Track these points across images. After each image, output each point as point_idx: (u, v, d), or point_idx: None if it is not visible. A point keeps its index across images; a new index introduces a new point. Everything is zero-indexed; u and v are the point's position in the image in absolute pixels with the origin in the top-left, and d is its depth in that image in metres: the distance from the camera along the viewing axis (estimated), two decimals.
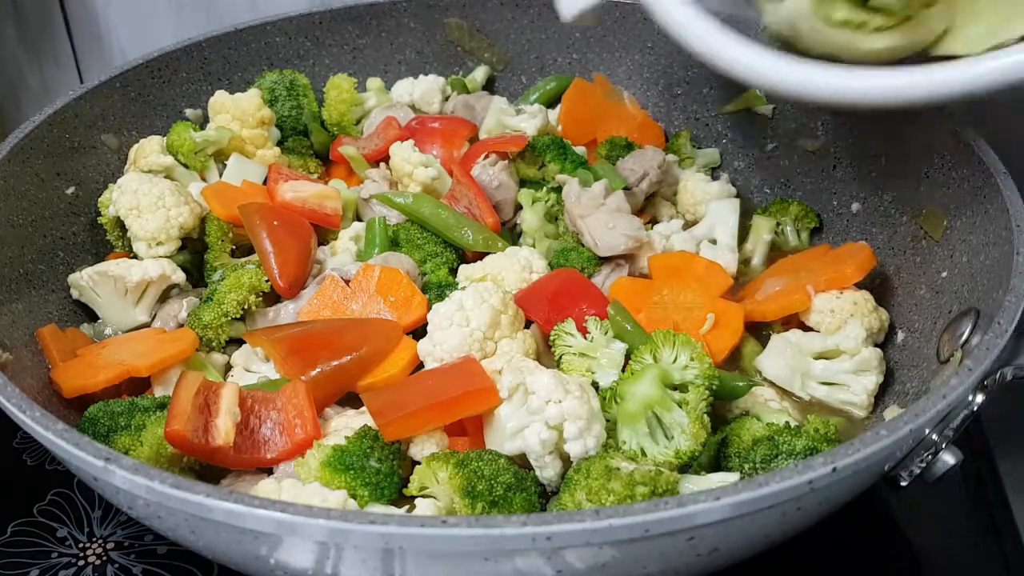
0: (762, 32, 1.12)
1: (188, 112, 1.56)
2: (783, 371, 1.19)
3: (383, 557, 0.82)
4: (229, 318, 1.20)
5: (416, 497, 1.00)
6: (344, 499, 0.95)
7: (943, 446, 0.97)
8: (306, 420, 1.05)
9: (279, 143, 1.55)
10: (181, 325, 1.25)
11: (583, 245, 1.33)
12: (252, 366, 1.19)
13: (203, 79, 1.57)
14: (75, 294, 1.29)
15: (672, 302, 1.25)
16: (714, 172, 1.58)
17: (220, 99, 1.48)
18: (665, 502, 0.78)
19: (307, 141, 1.59)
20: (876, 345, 1.23)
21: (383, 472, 1.00)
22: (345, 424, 1.08)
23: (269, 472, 1.06)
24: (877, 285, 1.30)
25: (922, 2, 1.03)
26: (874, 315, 1.23)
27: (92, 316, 1.30)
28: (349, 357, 1.13)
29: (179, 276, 1.29)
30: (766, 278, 1.33)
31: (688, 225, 1.44)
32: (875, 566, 1.13)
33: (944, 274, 1.20)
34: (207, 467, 1.06)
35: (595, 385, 1.08)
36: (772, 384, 1.20)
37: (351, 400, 1.14)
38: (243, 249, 1.36)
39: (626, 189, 1.40)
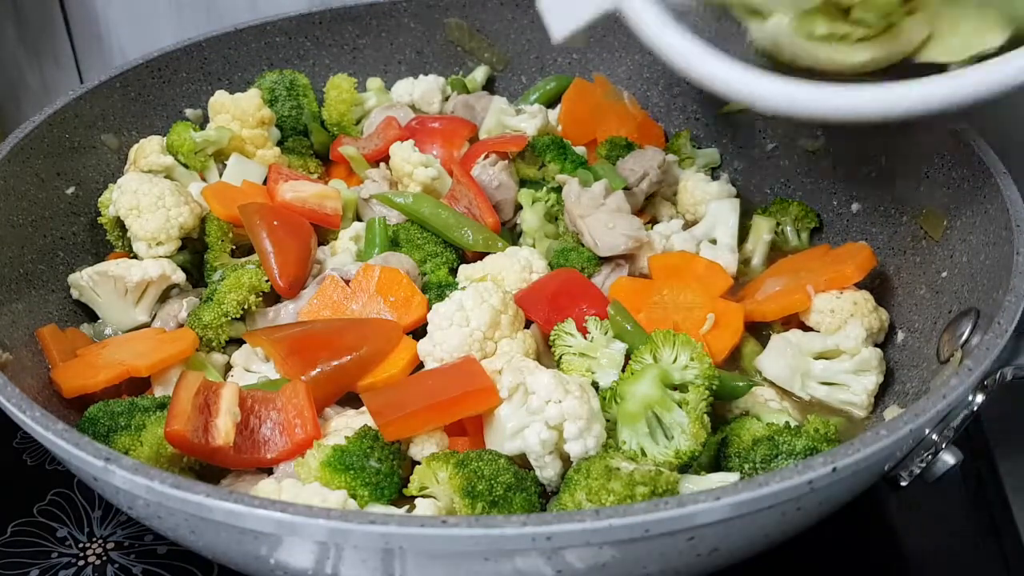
0: (748, 46, 1.12)
1: (188, 112, 1.56)
2: (783, 371, 1.19)
3: (383, 557, 0.82)
4: (229, 318, 1.20)
5: (416, 497, 1.00)
6: (344, 499, 0.95)
7: (943, 446, 0.97)
8: (306, 420, 1.05)
9: (279, 143, 1.55)
10: (181, 325, 1.25)
11: (583, 245, 1.33)
12: (252, 366, 1.19)
13: (203, 79, 1.57)
14: (75, 294, 1.29)
15: (672, 302, 1.25)
16: (714, 172, 1.58)
17: (220, 99, 1.48)
18: (665, 502, 0.78)
19: (307, 141, 1.59)
20: (876, 345, 1.23)
21: (383, 472, 1.00)
22: (345, 424, 1.08)
23: (269, 472, 1.06)
24: (877, 285, 1.30)
25: (904, 11, 1.03)
26: (874, 315, 1.23)
27: (92, 316, 1.30)
28: (349, 357, 1.13)
29: (179, 276, 1.29)
30: (766, 278, 1.33)
31: (688, 225, 1.44)
32: (875, 566, 1.13)
33: (944, 274, 1.20)
34: (207, 467, 1.06)
35: (595, 385, 1.08)
36: (772, 384, 1.20)
37: (351, 400, 1.14)
38: (243, 249, 1.36)
39: (626, 189, 1.40)
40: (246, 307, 1.21)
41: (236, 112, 1.46)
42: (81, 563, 1.13)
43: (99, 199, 1.37)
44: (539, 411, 1.00)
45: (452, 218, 1.33)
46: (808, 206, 1.46)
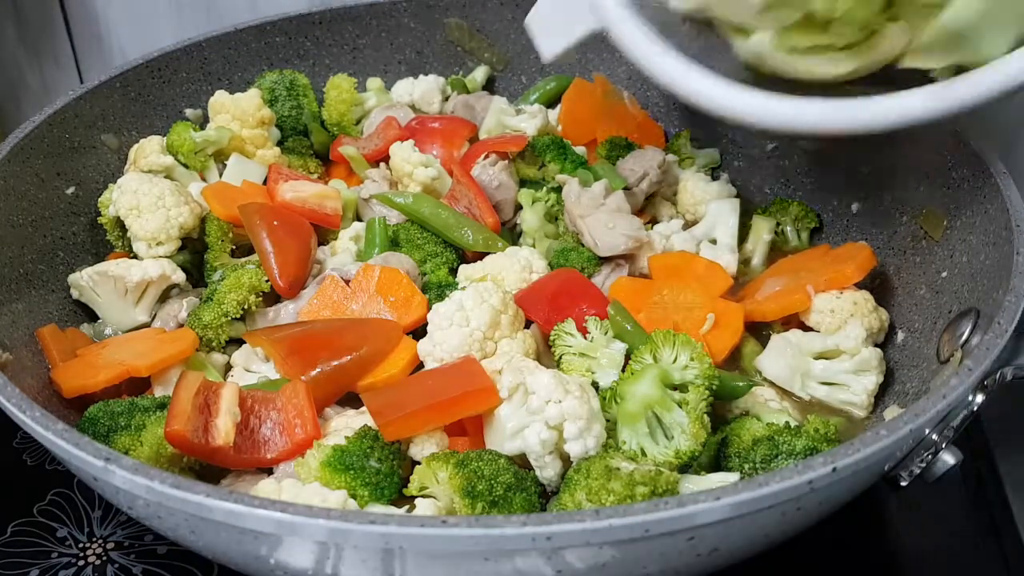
0: (734, 60, 1.13)
1: (188, 112, 1.56)
2: (783, 371, 1.19)
3: (383, 557, 0.82)
4: (229, 318, 1.20)
5: (416, 497, 1.00)
6: (344, 499, 0.95)
7: (943, 446, 0.97)
8: (306, 420, 1.05)
9: (279, 143, 1.55)
10: (181, 325, 1.25)
11: (583, 245, 1.33)
12: (252, 366, 1.19)
13: (203, 79, 1.57)
14: (75, 294, 1.29)
15: (672, 302, 1.25)
16: (714, 172, 1.58)
17: (220, 99, 1.48)
18: (665, 502, 0.78)
19: (307, 141, 1.59)
20: (876, 345, 1.23)
21: (383, 472, 1.00)
22: (345, 424, 1.08)
23: (269, 472, 1.06)
24: (877, 285, 1.30)
25: (884, 18, 1.04)
26: (874, 315, 1.23)
27: (92, 316, 1.30)
28: (349, 357, 1.13)
29: (179, 276, 1.29)
30: (766, 278, 1.33)
31: (688, 225, 1.44)
32: (875, 566, 1.13)
33: (944, 274, 1.20)
34: (207, 467, 1.06)
35: (595, 385, 1.08)
36: (772, 384, 1.20)
37: (351, 400, 1.14)
38: (243, 249, 1.36)
39: (626, 189, 1.40)
40: (246, 307, 1.21)
41: (236, 112, 1.46)
42: (81, 563, 1.13)
43: (99, 199, 1.37)
44: (539, 411, 1.00)
45: (452, 218, 1.33)
46: (808, 206, 1.46)
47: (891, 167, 1.36)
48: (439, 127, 1.50)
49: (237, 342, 1.23)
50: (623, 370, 1.09)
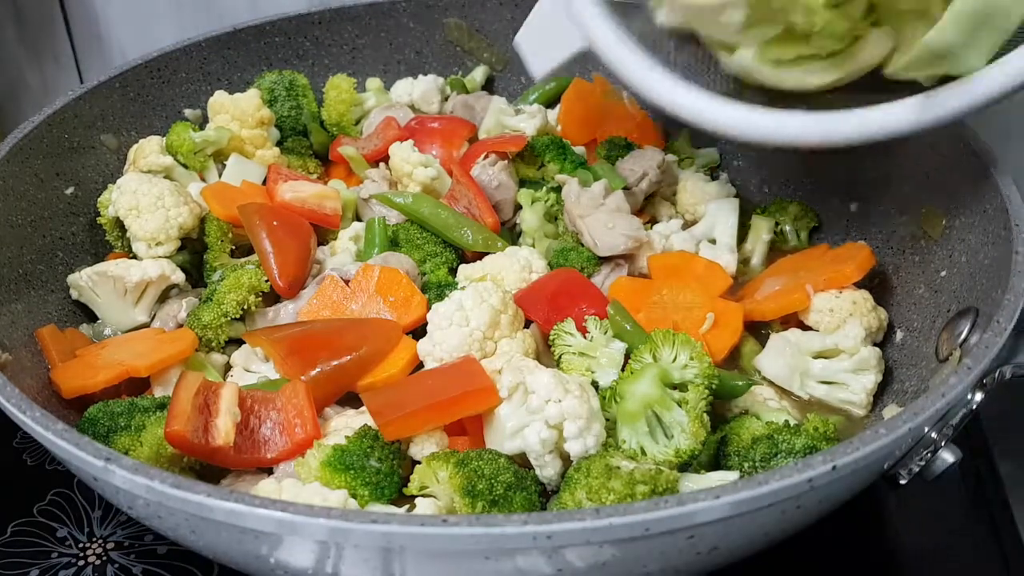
0: (721, 75, 1.16)
1: (187, 112, 1.56)
2: (782, 370, 1.19)
3: (384, 556, 0.82)
4: (228, 318, 1.20)
5: (416, 496, 1.00)
6: (344, 499, 0.95)
7: (942, 444, 0.97)
8: (306, 420, 1.05)
9: (278, 143, 1.55)
10: (180, 325, 1.25)
11: (582, 245, 1.33)
12: (251, 366, 1.19)
13: (202, 79, 1.57)
14: (74, 294, 1.29)
15: (671, 302, 1.25)
16: (713, 172, 1.59)
17: (219, 99, 1.48)
18: (665, 501, 0.78)
19: (306, 141, 1.59)
20: (875, 344, 1.23)
21: (383, 472, 1.00)
22: (345, 424, 1.08)
23: (269, 472, 1.06)
24: (876, 284, 1.30)
25: (867, 23, 1.04)
26: (873, 314, 1.23)
27: (91, 316, 1.30)
28: (349, 357, 1.13)
29: (178, 276, 1.29)
30: (765, 278, 1.33)
31: (687, 225, 1.44)
32: (874, 565, 1.14)
33: (943, 273, 1.20)
34: (207, 467, 1.06)
35: (595, 384, 1.09)
36: (771, 383, 1.20)
37: (351, 400, 1.14)
38: (242, 249, 1.36)
39: (625, 189, 1.40)
40: (245, 307, 1.21)
41: (235, 112, 1.47)
42: (81, 563, 1.13)
43: (98, 199, 1.37)
44: (539, 410, 1.00)
45: (452, 218, 1.33)
46: (807, 206, 1.46)
47: (890, 167, 1.36)
48: (438, 127, 1.50)
49: (236, 342, 1.23)
50: (623, 369, 1.10)
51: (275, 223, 1.28)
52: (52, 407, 1.10)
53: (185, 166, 1.42)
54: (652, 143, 1.53)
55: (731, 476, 1.01)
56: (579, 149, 1.50)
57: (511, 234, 1.41)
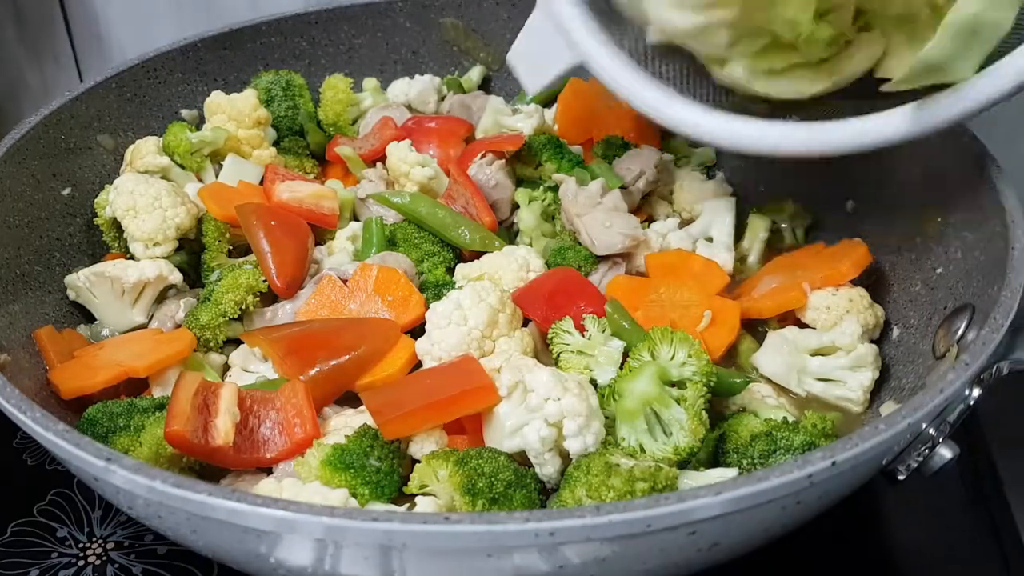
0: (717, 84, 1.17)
1: (184, 113, 1.56)
2: (779, 368, 1.20)
3: (385, 555, 0.82)
4: (227, 318, 1.20)
5: (416, 495, 1.00)
6: (345, 497, 0.95)
7: (940, 440, 0.97)
8: (305, 419, 1.05)
9: (275, 143, 1.55)
10: (178, 326, 1.25)
11: (580, 244, 1.33)
12: (250, 366, 1.19)
13: (199, 79, 1.57)
14: (72, 295, 1.29)
15: (669, 300, 1.26)
16: (710, 171, 1.59)
17: (216, 99, 1.48)
18: (666, 497, 0.78)
19: (303, 141, 1.59)
20: (872, 341, 1.24)
21: (383, 470, 1.00)
22: (344, 423, 1.08)
23: (268, 472, 1.06)
24: (872, 282, 1.30)
25: (855, 28, 1.05)
26: (869, 311, 1.24)
27: (89, 317, 1.30)
28: (347, 356, 1.13)
29: (176, 277, 1.29)
30: (762, 276, 1.33)
31: (684, 224, 1.45)
32: (873, 561, 1.14)
33: (939, 270, 1.20)
34: (206, 467, 1.06)
35: (593, 383, 1.09)
36: (769, 380, 1.20)
37: (349, 399, 1.14)
38: (240, 249, 1.36)
39: (622, 188, 1.40)
40: (243, 307, 1.21)
41: (232, 112, 1.47)
42: (81, 563, 1.13)
43: (95, 200, 1.37)
44: (538, 408, 1.00)
45: (449, 217, 1.33)
46: (803, 204, 1.46)
47: (885, 165, 1.36)
48: (436, 127, 1.50)
49: (235, 342, 1.23)
50: (621, 367, 1.10)
51: (272, 223, 1.28)
52: (50, 408, 1.09)
53: (182, 166, 1.42)
54: (649, 142, 1.53)
55: (730, 473, 1.01)
56: (576, 148, 1.50)
57: (508, 233, 1.42)
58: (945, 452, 0.98)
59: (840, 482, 0.91)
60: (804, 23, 1.01)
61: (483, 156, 1.42)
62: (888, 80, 1.03)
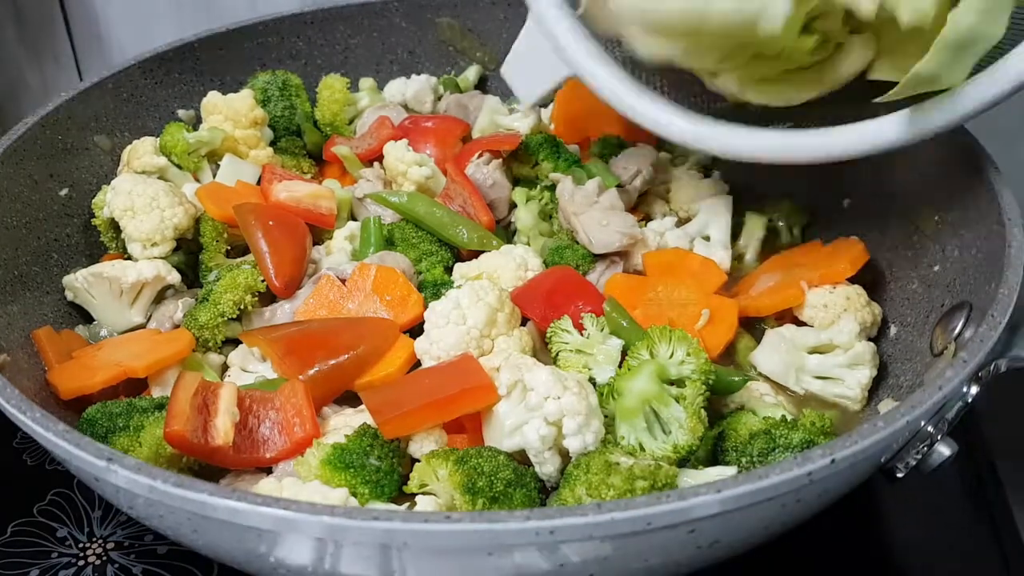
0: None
1: (181, 113, 1.56)
2: (778, 366, 1.20)
3: (385, 554, 0.82)
4: (225, 318, 1.20)
5: (416, 494, 1.00)
6: (345, 497, 0.95)
7: (938, 438, 0.98)
8: (305, 419, 1.05)
9: (272, 143, 1.55)
10: (177, 326, 1.25)
11: (577, 243, 1.33)
12: (249, 366, 1.19)
13: (195, 80, 1.57)
14: (70, 296, 1.29)
15: (667, 298, 1.26)
16: (706, 169, 1.59)
17: (213, 100, 1.48)
18: (667, 495, 0.78)
19: (300, 141, 1.59)
20: (869, 339, 1.24)
21: (383, 470, 1.00)
22: (343, 423, 1.08)
23: (268, 472, 1.06)
24: (870, 280, 1.31)
25: (846, 29, 1.06)
26: (867, 309, 1.24)
27: (87, 318, 1.30)
28: (346, 356, 1.13)
29: (174, 277, 1.29)
30: (760, 274, 1.34)
31: (681, 222, 1.45)
32: (872, 559, 1.14)
33: (936, 268, 1.21)
34: (206, 467, 1.06)
35: (592, 381, 1.09)
36: (767, 379, 1.20)
37: (349, 399, 1.14)
38: (238, 249, 1.36)
39: (619, 187, 1.40)
40: (242, 307, 1.21)
41: (229, 113, 1.47)
42: (81, 563, 1.13)
43: (93, 200, 1.37)
44: (538, 407, 1.00)
45: (447, 217, 1.33)
46: (800, 202, 1.46)
47: (881, 163, 1.36)
48: (433, 126, 1.50)
49: (233, 342, 1.23)
50: (620, 366, 1.10)
51: (270, 223, 1.28)
52: (49, 408, 1.09)
53: (179, 167, 1.42)
54: (645, 141, 1.53)
55: (729, 471, 1.01)
56: (573, 147, 1.50)
57: (506, 232, 1.42)
58: (943, 449, 0.98)
59: (839, 480, 0.91)
60: (786, 39, 1.01)
61: (480, 155, 1.43)
62: (882, 81, 1.03)
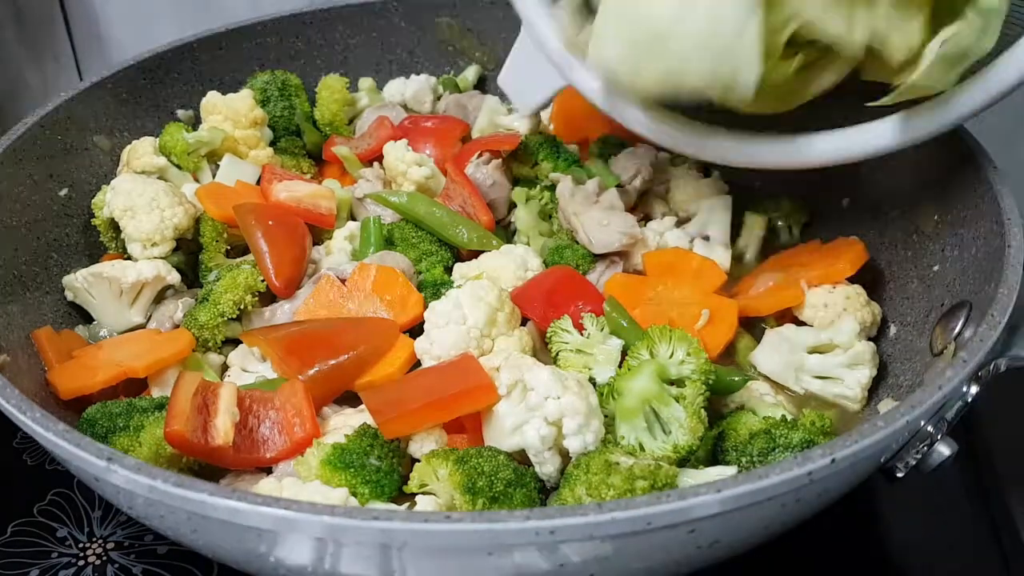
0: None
1: (180, 113, 1.56)
2: (777, 366, 1.20)
3: (385, 553, 0.82)
4: (225, 318, 1.21)
5: (416, 494, 1.00)
6: (345, 496, 0.95)
7: (938, 437, 0.98)
8: (305, 419, 1.05)
9: (272, 143, 1.55)
10: (177, 326, 1.25)
11: (577, 242, 1.33)
12: (248, 366, 1.19)
13: (195, 80, 1.56)
14: (69, 296, 1.29)
15: (667, 298, 1.26)
16: (706, 169, 1.59)
17: (212, 100, 1.48)
18: (667, 495, 0.78)
19: (300, 141, 1.59)
20: (869, 339, 1.24)
21: (383, 470, 1.00)
22: (343, 422, 1.08)
23: (268, 472, 1.06)
24: (869, 280, 1.31)
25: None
26: (867, 309, 1.24)
27: (87, 318, 1.30)
28: (346, 356, 1.13)
29: (174, 277, 1.29)
30: (759, 274, 1.34)
31: (681, 222, 1.45)
32: (872, 559, 1.14)
33: (936, 268, 1.21)
34: (205, 467, 1.06)
35: (592, 381, 1.09)
36: (767, 378, 1.21)
37: (349, 399, 1.14)
38: (237, 249, 1.36)
39: (619, 187, 1.40)
40: (242, 307, 1.21)
41: (228, 113, 1.47)
42: (81, 563, 1.13)
43: (93, 200, 1.37)
44: (538, 407, 1.00)
45: (447, 217, 1.33)
46: (799, 201, 1.46)
47: (881, 163, 1.36)
48: (432, 126, 1.50)
49: (233, 342, 1.23)
50: (620, 366, 1.10)
51: (270, 223, 1.28)
52: (49, 408, 1.09)
53: (179, 167, 1.42)
54: (644, 141, 1.53)
55: (729, 471, 1.01)
56: (572, 147, 1.50)
57: (506, 232, 1.42)
58: (943, 449, 0.98)
59: (839, 479, 0.91)
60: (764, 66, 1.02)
61: (480, 155, 1.43)
62: (875, 81, 1.03)
